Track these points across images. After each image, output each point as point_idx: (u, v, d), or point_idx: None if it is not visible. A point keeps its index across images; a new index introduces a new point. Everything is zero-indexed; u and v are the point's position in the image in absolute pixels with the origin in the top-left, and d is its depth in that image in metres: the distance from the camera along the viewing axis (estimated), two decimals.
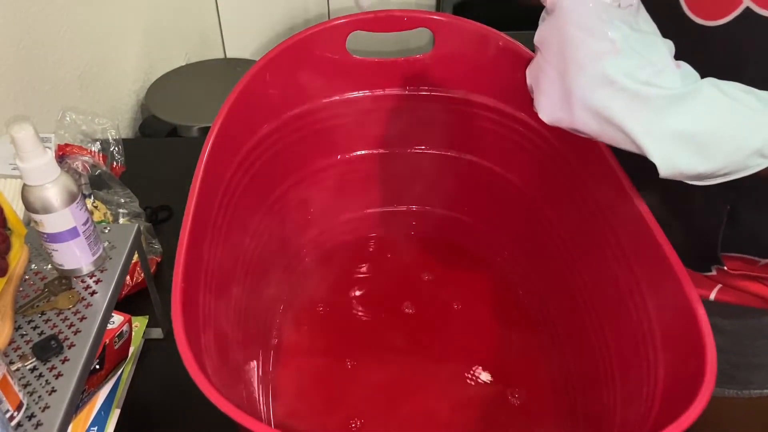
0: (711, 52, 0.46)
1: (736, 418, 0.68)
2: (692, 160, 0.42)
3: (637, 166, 0.57)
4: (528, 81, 0.47)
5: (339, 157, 0.77)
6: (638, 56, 0.42)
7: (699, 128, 0.41)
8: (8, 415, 0.48)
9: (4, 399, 0.48)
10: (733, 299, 0.61)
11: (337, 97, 0.72)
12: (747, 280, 0.59)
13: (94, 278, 0.62)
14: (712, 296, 0.62)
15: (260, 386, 0.67)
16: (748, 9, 0.46)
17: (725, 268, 0.58)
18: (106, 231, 0.67)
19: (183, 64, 1.50)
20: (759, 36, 0.46)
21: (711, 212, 0.56)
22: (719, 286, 0.61)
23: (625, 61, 0.41)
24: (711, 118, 0.41)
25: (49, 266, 0.63)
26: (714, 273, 0.60)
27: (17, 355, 0.55)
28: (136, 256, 0.73)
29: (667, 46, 0.44)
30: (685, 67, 0.44)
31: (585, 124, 0.43)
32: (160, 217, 0.93)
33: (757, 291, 0.59)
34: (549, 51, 0.44)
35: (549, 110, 0.45)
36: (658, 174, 0.50)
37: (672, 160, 0.42)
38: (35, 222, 0.58)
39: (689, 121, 0.41)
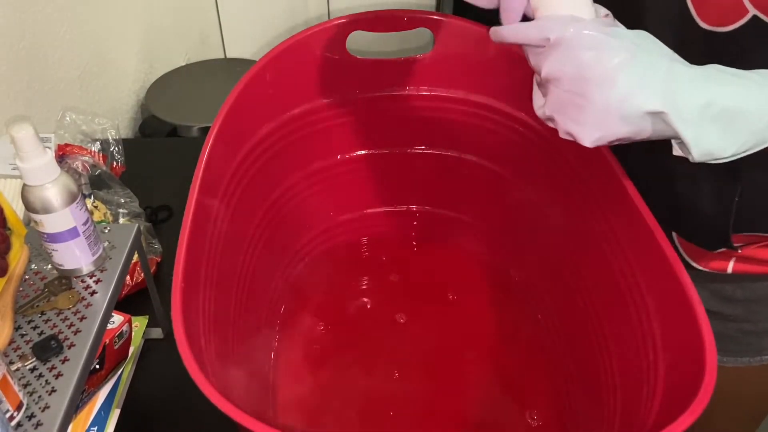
0: (720, 58, 0.46)
1: (751, 387, 0.69)
2: (719, 138, 0.43)
3: (645, 158, 0.58)
4: (545, 113, 0.48)
5: (339, 157, 0.77)
6: (650, 53, 0.43)
7: (726, 103, 0.42)
8: (8, 415, 0.48)
9: (4, 399, 0.48)
10: (751, 268, 0.61)
11: (337, 97, 0.72)
12: (763, 249, 0.60)
13: (94, 278, 0.62)
14: (730, 269, 0.62)
15: (260, 386, 0.67)
16: (755, 17, 0.47)
17: (735, 245, 0.59)
18: (106, 231, 0.67)
19: (183, 64, 1.50)
20: (767, 44, 0.47)
21: (719, 198, 0.56)
22: (734, 258, 0.61)
23: (643, 60, 0.43)
24: (734, 94, 0.43)
25: (49, 266, 0.63)
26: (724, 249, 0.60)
27: (17, 355, 0.55)
28: (136, 256, 0.73)
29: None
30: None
31: (624, 131, 0.44)
32: (160, 217, 0.93)
33: None
34: (568, 81, 0.44)
35: (589, 134, 0.45)
36: (664, 165, 0.51)
37: (708, 145, 0.43)
38: (35, 222, 0.58)
39: (717, 96, 0.42)
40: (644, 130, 0.44)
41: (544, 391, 0.68)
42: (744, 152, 0.44)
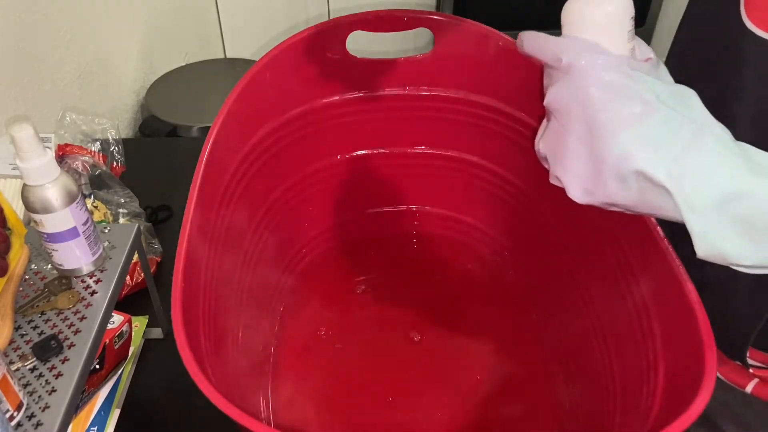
0: None
1: None
2: (741, 243, 0.35)
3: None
4: (541, 151, 0.42)
5: (339, 157, 0.77)
6: (675, 113, 0.36)
7: (753, 205, 0.34)
8: (8, 415, 0.48)
9: (4, 399, 0.48)
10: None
11: (337, 97, 0.72)
12: None
13: (94, 278, 0.62)
14: (749, 389, 0.57)
15: (260, 386, 0.67)
16: None
17: (750, 360, 0.54)
18: (106, 231, 0.67)
19: (183, 64, 1.50)
20: None
21: (752, 310, 0.51)
22: (756, 380, 0.57)
23: (663, 120, 0.36)
24: (766, 192, 0.34)
25: (49, 266, 0.63)
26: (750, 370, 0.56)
27: (17, 355, 0.55)
28: (136, 256, 0.73)
29: (698, 99, 0.38)
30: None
31: (620, 196, 0.38)
32: (160, 217, 0.93)
33: None
34: (568, 118, 0.38)
35: (577, 187, 0.39)
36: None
37: (714, 242, 0.35)
38: (35, 222, 0.58)
39: (740, 188, 0.34)
40: (645, 202, 0.37)
41: (544, 391, 0.68)
42: None
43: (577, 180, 0.39)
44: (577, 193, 0.40)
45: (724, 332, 0.50)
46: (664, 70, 0.40)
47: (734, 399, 0.60)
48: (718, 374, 0.59)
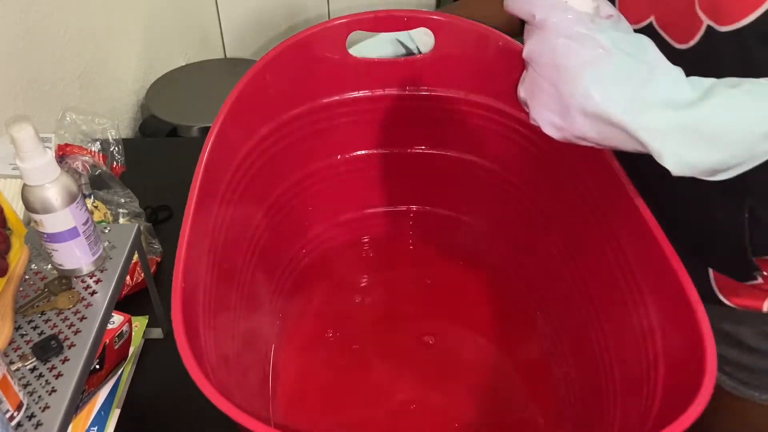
0: (722, 58, 0.46)
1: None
2: (702, 152, 0.41)
3: (662, 183, 0.54)
4: (521, 95, 0.48)
5: (339, 157, 0.77)
6: (630, 57, 0.42)
7: (704, 119, 0.41)
8: (8, 415, 0.48)
9: (4, 399, 0.48)
10: None
11: (337, 97, 0.72)
12: None
13: (94, 278, 0.62)
14: (765, 308, 0.60)
15: (260, 386, 0.67)
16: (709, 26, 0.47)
17: (765, 273, 0.57)
18: (106, 231, 0.67)
19: (183, 64, 1.50)
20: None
21: (732, 221, 0.55)
22: None
23: (619, 62, 0.42)
24: (714, 108, 0.41)
25: (49, 266, 0.63)
26: (761, 281, 0.58)
27: (17, 355, 0.55)
28: (136, 256, 0.74)
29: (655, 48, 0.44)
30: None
31: (587, 131, 0.44)
32: (160, 217, 0.93)
33: None
34: (541, 64, 0.44)
35: (549, 122, 0.45)
36: (678, 191, 0.48)
37: (681, 156, 0.41)
38: (35, 222, 0.58)
39: (693, 112, 0.41)
40: (611, 136, 0.43)
41: (544, 391, 0.68)
42: (735, 167, 0.42)
43: (550, 118, 0.45)
44: (551, 129, 0.45)
45: (725, 258, 0.58)
46: (625, 24, 0.45)
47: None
48: (733, 305, 0.61)
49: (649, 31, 0.53)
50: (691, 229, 0.58)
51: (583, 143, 0.45)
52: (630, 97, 0.41)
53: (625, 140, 0.43)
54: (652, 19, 0.53)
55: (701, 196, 0.56)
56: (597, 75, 0.42)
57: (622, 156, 0.57)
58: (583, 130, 0.44)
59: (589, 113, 0.42)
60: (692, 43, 0.50)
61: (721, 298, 0.61)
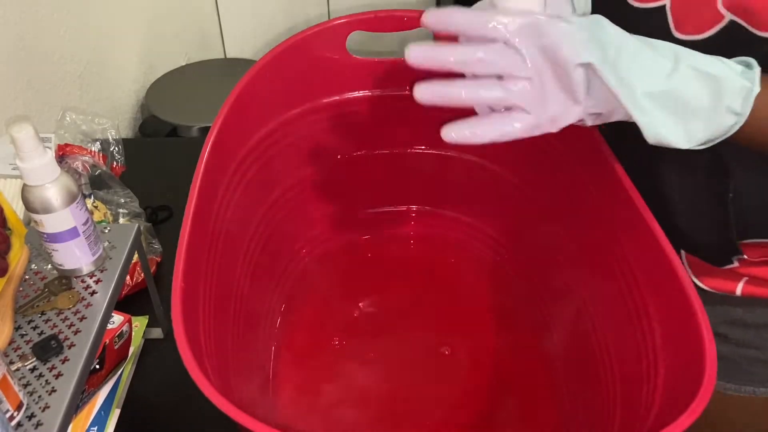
0: None
1: (753, 419, 0.67)
2: (672, 122, 0.43)
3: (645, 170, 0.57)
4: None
5: (339, 157, 0.77)
6: (588, 30, 0.43)
7: (673, 88, 0.42)
8: (8, 415, 0.48)
9: (4, 399, 0.48)
10: (761, 291, 0.61)
11: (337, 97, 0.72)
12: None
13: (94, 278, 0.62)
14: (739, 291, 0.61)
15: (260, 386, 0.67)
16: (732, 22, 0.48)
17: (745, 257, 0.58)
18: (106, 231, 0.67)
19: (183, 64, 1.50)
20: (744, 49, 0.47)
21: (715, 203, 0.56)
22: (745, 279, 0.61)
23: (596, 32, 0.42)
24: (682, 79, 0.43)
25: (49, 266, 0.63)
26: (736, 264, 0.60)
27: (17, 355, 0.55)
28: (136, 256, 0.73)
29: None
30: None
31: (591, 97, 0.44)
32: (160, 217, 0.93)
33: None
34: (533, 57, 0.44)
35: (551, 115, 0.45)
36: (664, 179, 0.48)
37: (655, 127, 0.43)
38: (35, 222, 0.58)
39: (663, 82, 0.42)
40: (607, 101, 0.43)
41: (544, 392, 0.68)
42: (706, 142, 0.44)
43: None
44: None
45: (706, 241, 0.59)
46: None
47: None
48: (708, 288, 0.62)
49: (657, 14, 0.52)
50: (674, 209, 0.59)
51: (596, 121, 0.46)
52: (612, 63, 0.42)
53: (616, 106, 0.43)
54: (666, 1, 0.52)
55: (688, 176, 0.57)
56: (580, 38, 0.42)
57: (611, 135, 0.58)
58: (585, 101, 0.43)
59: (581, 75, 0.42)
60: (702, 36, 0.50)
61: (697, 282, 0.62)
